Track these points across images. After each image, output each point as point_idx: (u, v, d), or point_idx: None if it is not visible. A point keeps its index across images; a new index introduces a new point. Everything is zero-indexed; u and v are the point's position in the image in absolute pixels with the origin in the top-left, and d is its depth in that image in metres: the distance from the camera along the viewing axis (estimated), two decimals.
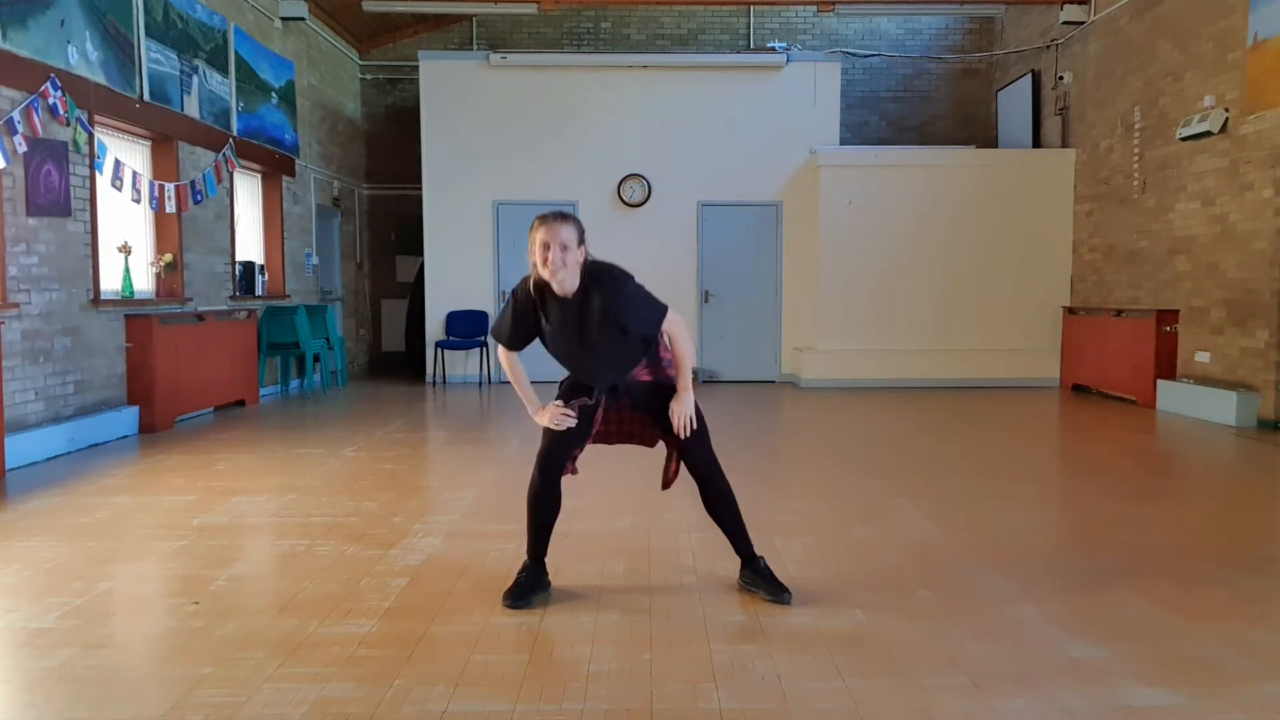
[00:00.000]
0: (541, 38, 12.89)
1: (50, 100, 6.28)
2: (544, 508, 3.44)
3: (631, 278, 3.29)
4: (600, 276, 3.25)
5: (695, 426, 3.37)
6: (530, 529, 3.46)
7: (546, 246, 3.16)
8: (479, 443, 7.23)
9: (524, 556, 3.50)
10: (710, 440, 3.46)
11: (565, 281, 3.19)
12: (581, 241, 3.21)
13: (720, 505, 3.46)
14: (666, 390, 3.40)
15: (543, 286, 3.26)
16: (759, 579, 3.44)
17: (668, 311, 3.31)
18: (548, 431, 3.40)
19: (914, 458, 6.49)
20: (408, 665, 2.85)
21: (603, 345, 3.28)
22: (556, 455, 3.40)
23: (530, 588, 3.40)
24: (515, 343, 3.40)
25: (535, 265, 3.22)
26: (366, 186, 13.34)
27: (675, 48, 12.82)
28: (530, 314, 3.32)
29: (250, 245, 9.97)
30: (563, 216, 3.21)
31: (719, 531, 3.55)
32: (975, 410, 8.85)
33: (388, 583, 3.62)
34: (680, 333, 3.33)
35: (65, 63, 6.51)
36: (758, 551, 3.51)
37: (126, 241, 7.42)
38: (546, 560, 3.50)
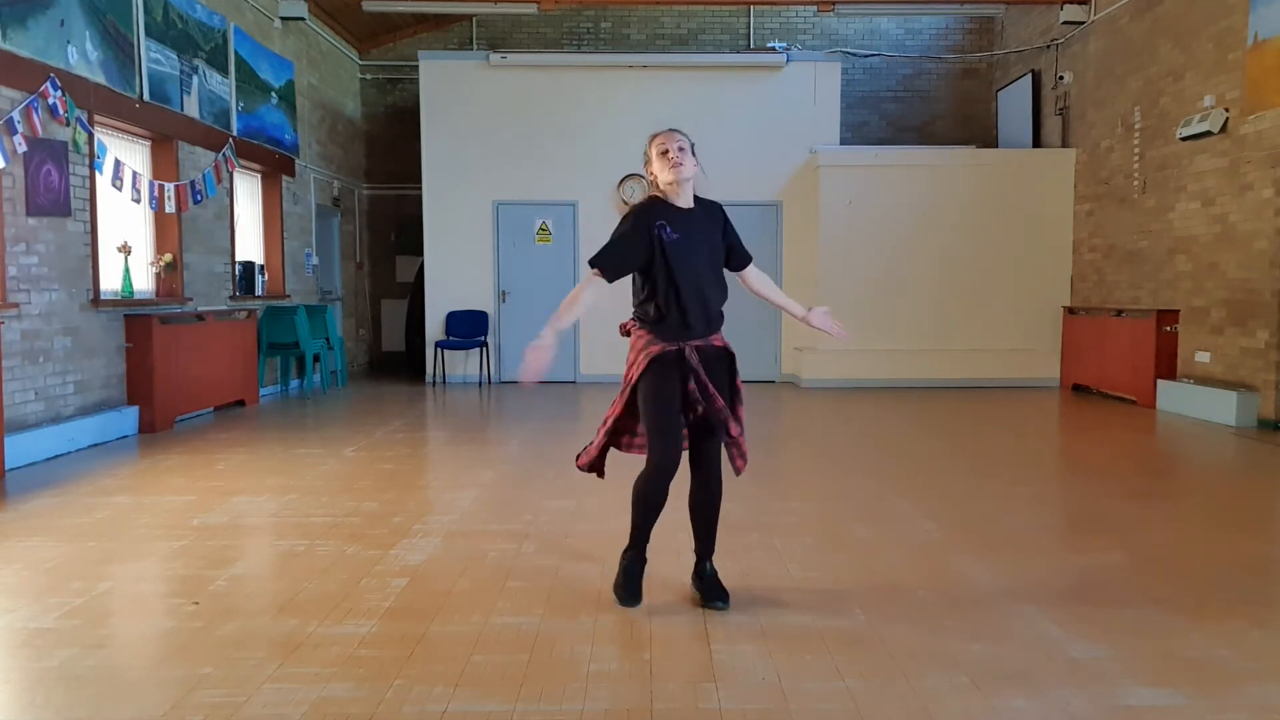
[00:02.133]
0: (541, 38, 12.89)
1: (50, 100, 6.27)
2: (661, 499, 3.32)
3: None
4: (709, 200, 3.46)
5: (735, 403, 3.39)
6: (641, 522, 3.37)
7: (666, 149, 3.30)
8: (479, 443, 7.23)
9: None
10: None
11: (685, 186, 3.32)
12: (693, 153, 3.36)
13: (706, 505, 3.37)
14: (729, 361, 3.47)
15: (659, 206, 3.35)
16: (701, 581, 3.40)
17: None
18: (654, 428, 3.25)
19: (914, 458, 6.49)
20: (408, 665, 2.84)
21: (710, 270, 3.43)
22: (672, 446, 3.26)
23: (640, 578, 3.40)
24: (621, 267, 3.38)
25: (654, 176, 3.36)
26: (366, 186, 13.33)
27: (675, 48, 12.82)
28: (648, 229, 3.32)
29: (250, 245, 9.97)
30: (673, 129, 3.40)
31: (719, 531, 3.52)
32: (975, 410, 8.85)
33: (388, 583, 3.62)
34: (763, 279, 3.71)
35: (65, 63, 6.50)
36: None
37: (126, 241, 7.41)
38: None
